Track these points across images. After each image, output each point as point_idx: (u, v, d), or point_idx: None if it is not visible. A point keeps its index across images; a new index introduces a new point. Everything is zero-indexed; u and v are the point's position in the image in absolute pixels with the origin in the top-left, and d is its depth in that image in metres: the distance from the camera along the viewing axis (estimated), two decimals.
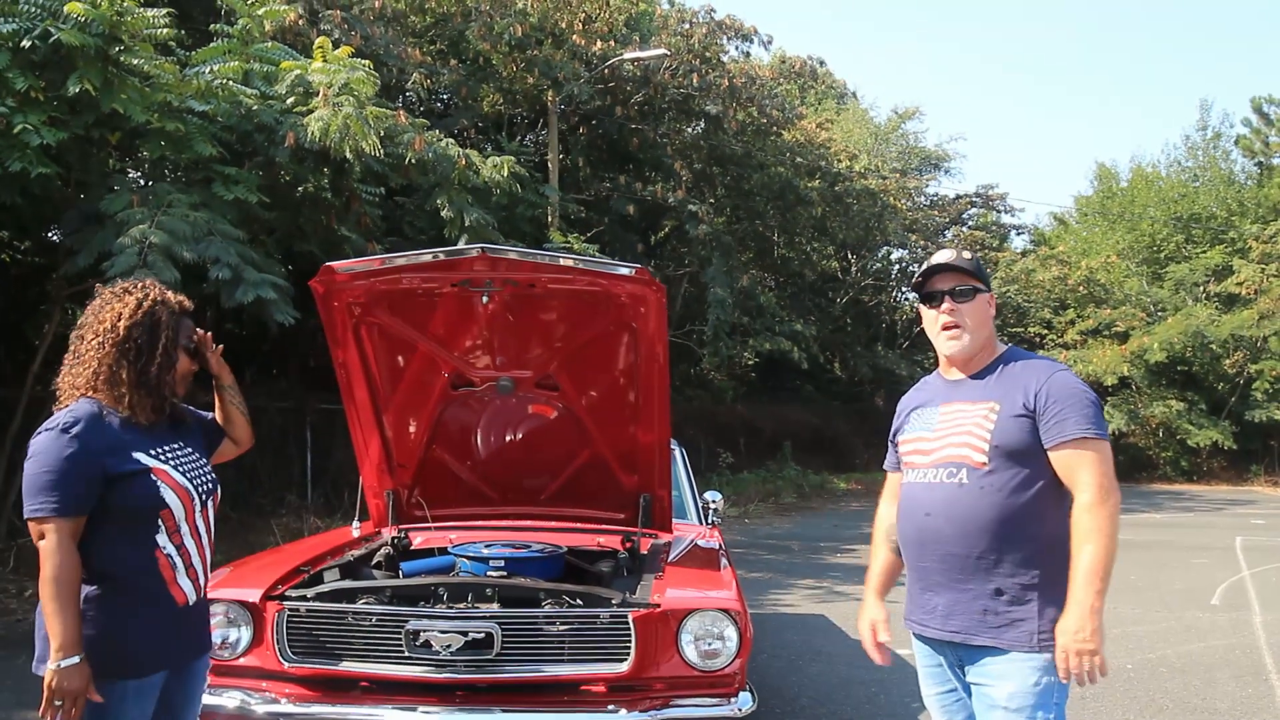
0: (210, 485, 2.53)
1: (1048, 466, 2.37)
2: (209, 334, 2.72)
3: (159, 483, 2.36)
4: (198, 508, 2.46)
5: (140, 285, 2.51)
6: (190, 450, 2.52)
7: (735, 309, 18.40)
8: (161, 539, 2.37)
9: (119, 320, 2.41)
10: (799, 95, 25.21)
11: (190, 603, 2.44)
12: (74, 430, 2.28)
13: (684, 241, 19.58)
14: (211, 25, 9.56)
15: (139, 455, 2.36)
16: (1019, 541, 2.37)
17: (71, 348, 2.46)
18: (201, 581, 2.49)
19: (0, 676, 5.57)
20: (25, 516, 2.28)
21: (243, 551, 9.41)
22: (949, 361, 2.59)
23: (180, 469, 2.43)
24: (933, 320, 2.56)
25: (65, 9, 7.35)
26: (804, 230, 23.23)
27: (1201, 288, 27.75)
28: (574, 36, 15.60)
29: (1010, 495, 2.38)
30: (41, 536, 2.25)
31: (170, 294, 2.54)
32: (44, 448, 2.27)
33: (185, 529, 2.42)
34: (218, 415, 2.81)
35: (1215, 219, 29.27)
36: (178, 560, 2.40)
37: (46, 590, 2.21)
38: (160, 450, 2.42)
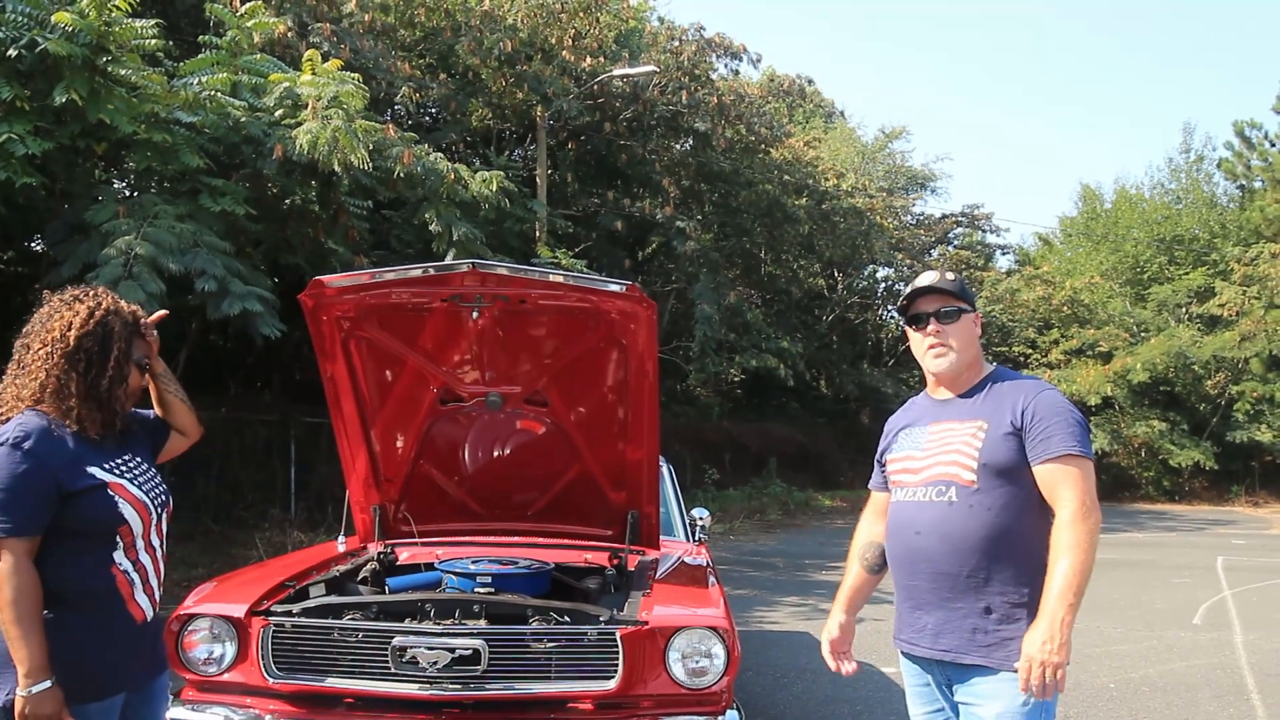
0: (164, 498, 2.45)
1: (1034, 485, 2.39)
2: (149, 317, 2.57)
3: (117, 498, 2.27)
4: (154, 522, 2.38)
5: (91, 293, 2.39)
6: (141, 462, 2.43)
7: (722, 325, 18.45)
8: (118, 556, 2.28)
9: (69, 330, 2.29)
10: (787, 113, 25.38)
11: (148, 619, 2.37)
12: (25, 445, 2.17)
13: (671, 258, 19.64)
14: (200, 36, 9.57)
15: (93, 470, 2.26)
16: (1008, 559, 2.38)
17: (16, 356, 2.34)
18: (157, 597, 2.41)
19: None
20: None
21: (225, 564, 9.36)
22: (937, 380, 2.61)
23: (136, 483, 2.35)
24: (919, 341, 2.59)
25: (53, 18, 7.35)
26: (791, 248, 23.36)
27: (1184, 309, 28.04)
28: (564, 52, 15.69)
29: (999, 513, 2.39)
30: None
31: (123, 304, 2.43)
32: None
33: (141, 545, 2.34)
34: (155, 407, 2.64)
35: (1198, 241, 29.62)
36: (135, 577, 2.32)
37: (7, 615, 2.11)
38: (114, 464, 2.33)
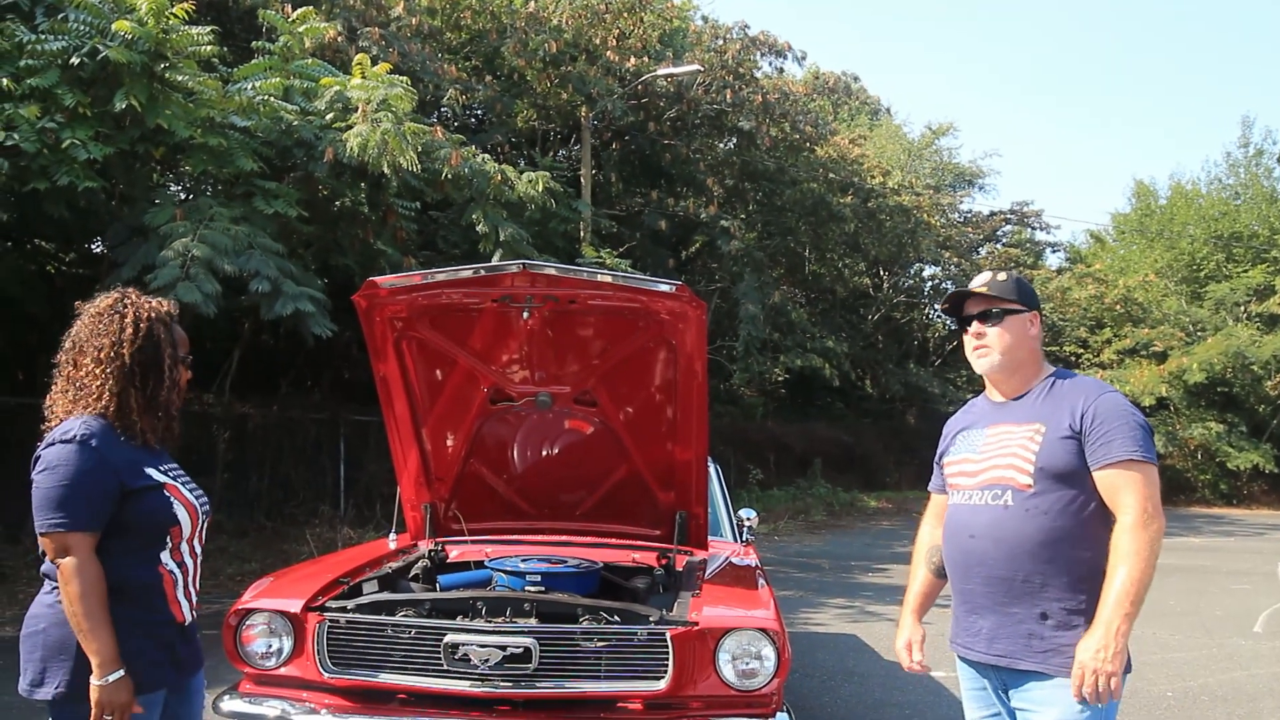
0: (207, 507, 2.51)
1: (1094, 489, 2.34)
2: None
3: (172, 499, 2.34)
4: (199, 526, 2.44)
5: (127, 301, 2.39)
6: (184, 471, 2.48)
7: (766, 325, 18.36)
8: (165, 556, 2.34)
9: (119, 346, 2.31)
10: (832, 111, 25.16)
11: (187, 622, 2.41)
12: (92, 443, 2.23)
13: (715, 257, 19.58)
14: (253, 42, 9.75)
15: (150, 471, 2.33)
16: (1065, 565, 2.34)
17: (64, 373, 2.35)
18: (195, 600, 2.45)
19: None
20: (40, 531, 2.21)
21: (277, 560, 9.53)
22: (989, 381, 2.60)
23: (187, 487, 2.42)
24: (966, 342, 2.61)
25: (113, 27, 7.52)
26: (836, 246, 23.17)
27: (1242, 307, 27.29)
28: (608, 53, 15.71)
29: (1056, 518, 2.35)
30: (60, 552, 2.20)
31: (155, 303, 2.44)
32: (61, 459, 2.21)
33: (186, 547, 2.39)
34: None
35: (1257, 237, 28.78)
36: (179, 577, 2.37)
37: (78, 608, 2.16)
38: (166, 468, 2.40)
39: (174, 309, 2.50)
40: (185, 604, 2.40)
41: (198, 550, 2.46)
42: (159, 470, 2.35)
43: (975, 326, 2.54)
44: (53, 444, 2.24)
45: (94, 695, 2.17)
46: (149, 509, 2.30)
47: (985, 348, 2.53)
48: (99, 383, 2.30)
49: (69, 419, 2.28)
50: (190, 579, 2.42)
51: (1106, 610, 2.22)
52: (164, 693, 2.38)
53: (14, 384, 11.01)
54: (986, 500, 2.45)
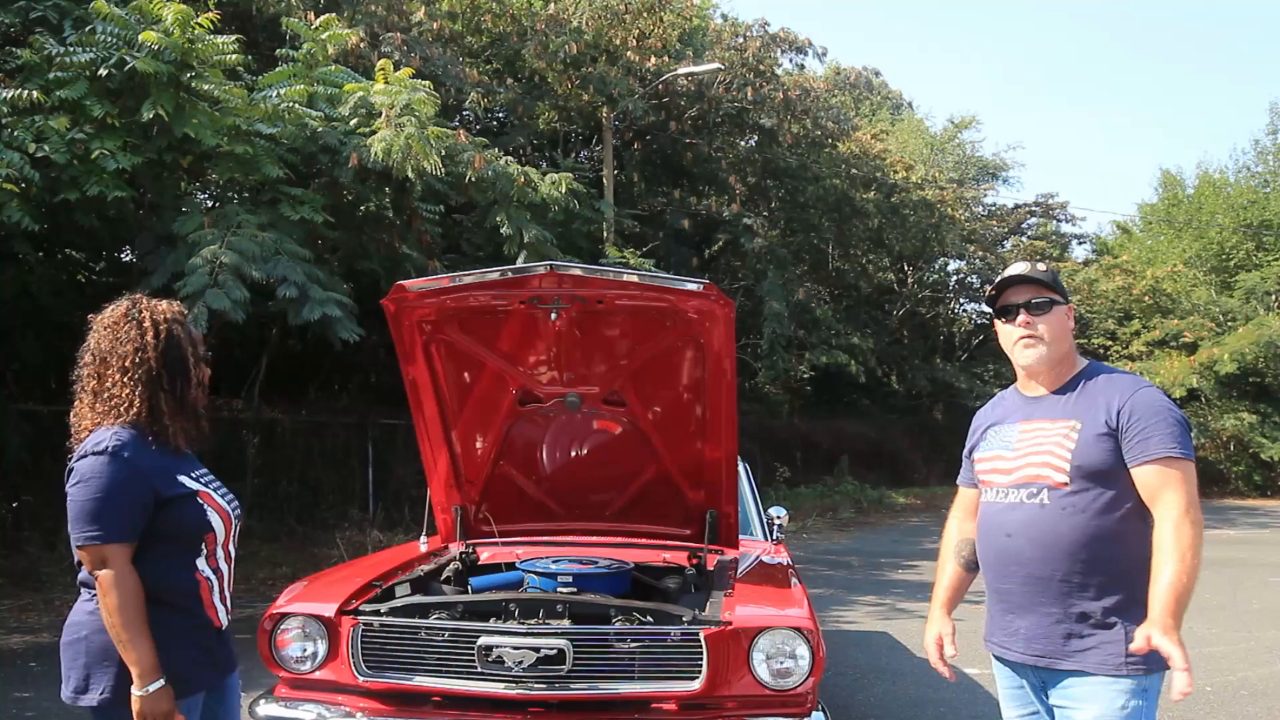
0: (239, 511, 2.53)
1: (1131, 486, 2.30)
2: None
3: (205, 506, 2.36)
4: (233, 531, 2.46)
5: (141, 308, 2.39)
6: (214, 475, 2.50)
7: (791, 322, 18.29)
8: (201, 562, 2.36)
9: (144, 352, 2.33)
10: (854, 106, 25.02)
11: (223, 626, 2.44)
12: (125, 454, 2.24)
13: (739, 255, 19.54)
14: (277, 50, 9.82)
15: (183, 479, 2.35)
16: (1102, 563, 2.31)
17: (88, 387, 2.35)
18: (229, 604, 2.47)
19: None
20: (77, 544, 2.23)
21: (308, 563, 9.60)
22: (1028, 374, 2.53)
23: (218, 493, 2.43)
24: (1008, 334, 2.50)
25: (139, 38, 7.61)
26: (860, 242, 23.04)
27: (1274, 296, 26.88)
28: (628, 53, 15.70)
29: (1093, 516, 2.32)
30: (97, 564, 2.21)
31: (166, 304, 2.45)
32: (95, 472, 2.22)
33: (221, 553, 2.41)
34: None
35: None
36: (214, 582, 2.40)
37: (117, 619, 2.18)
38: (197, 475, 2.41)
39: (184, 309, 2.52)
40: (221, 608, 2.43)
41: (232, 555, 2.48)
42: (191, 477, 2.38)
43: (1024, 316, 2.44)
44: (85, 456, 2.25)
45: (135, 706, 2.19)
46: (184, 517, 2.32)
47: (1033, 339, 2.44)
48: (128, 390, 2.31)
49: (99, 430, 2.29)
50: (225, 584, 2.44)
51: (1156, 608, 2.17)
52: (203, 695, 2.41)
53: (47, 392, 11.16)
54: (1022, 498, 2.41)
